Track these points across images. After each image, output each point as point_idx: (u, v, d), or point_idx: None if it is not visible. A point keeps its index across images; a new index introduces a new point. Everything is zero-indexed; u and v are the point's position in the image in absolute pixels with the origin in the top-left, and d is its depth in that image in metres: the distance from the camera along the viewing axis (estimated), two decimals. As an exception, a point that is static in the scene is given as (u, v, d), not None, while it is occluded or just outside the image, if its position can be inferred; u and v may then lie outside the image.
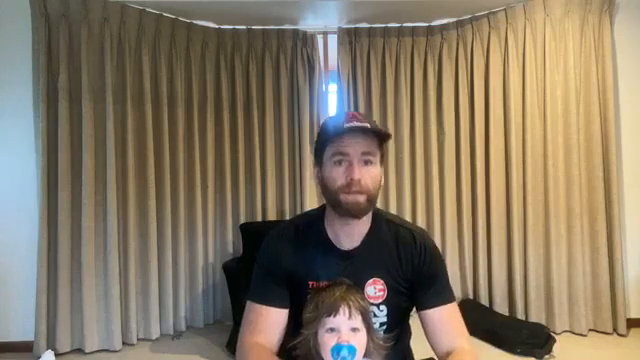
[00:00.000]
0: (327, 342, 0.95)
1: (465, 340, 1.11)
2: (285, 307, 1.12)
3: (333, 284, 1.04)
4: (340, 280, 1.05)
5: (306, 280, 1.10)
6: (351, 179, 1.03)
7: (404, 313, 1.17)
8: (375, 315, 1.09)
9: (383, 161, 1.13)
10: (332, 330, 0.96)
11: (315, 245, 1.13)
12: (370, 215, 1.14)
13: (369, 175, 1.05)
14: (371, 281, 1.10)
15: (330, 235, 1.14)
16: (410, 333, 1.26)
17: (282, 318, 1.11)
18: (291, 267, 1.12)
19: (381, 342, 1.01)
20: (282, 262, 1.13)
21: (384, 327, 1.11)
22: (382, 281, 1.11)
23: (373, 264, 1.11)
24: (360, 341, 0.96)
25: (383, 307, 1.11)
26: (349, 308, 0.96)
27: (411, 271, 1.12)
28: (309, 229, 1.16)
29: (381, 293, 1.10)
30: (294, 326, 1.10)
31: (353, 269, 1.10)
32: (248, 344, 1.08)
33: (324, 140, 1.09)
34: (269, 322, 1.10)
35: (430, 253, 1.14)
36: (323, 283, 1.08)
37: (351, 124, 1.04)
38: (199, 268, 3.27)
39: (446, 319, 1.11)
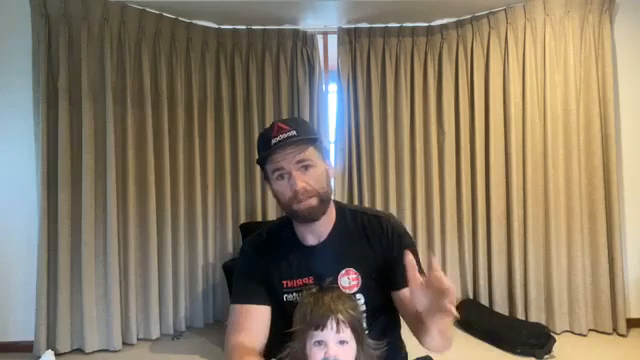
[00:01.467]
0: (314, 356, 0.94)
1: None
2: (266, 304, 1.15)
3: (323, 291, 1.03)
4: (330, 286, 1.05)
5: (280, 280, 1.15)
6: (295, 190, 1.07)
7: (382, 299, 1.18)
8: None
9: (326, 154, 1.17)
10: (320, 343, 0.94)
11: (286, 246, 1.18)
12: (333, 210, 1.19)
13: (312, 178, 1.09)
14: (344, 272, 1.14)
15: (299, 235, 1.18)
16: (399, 324, 1.26)
17: (264, 315, 1.14)
18: (265, 270, 1.16)
19: (372, 350, 1.00)
20: (258, 267, 1.18)
21: (364, 315, 1.13)
22: (354, 270, 1.14)
23: (343, 255, 1.14)
24: (348, 353, 0.95)
25: (360, 295, 1.14)
26: (337, 322, 0.94)
27: (381, 253, 1.15)
28: (280, 232, 1.21)
29: (355, 282, 1.14)
30: (273, 328, 1.13)
31: (324, 263, 1.13)
32: (232, 345, 1.10)
33: (261, 159, 1.12)
34: (252, 320, 1.13)
35: (398, 232, 1.17)
36: (297, 281, 1.13)
37: (276, 139, 1.07)
38: (199, 268, 3.27)
39: None
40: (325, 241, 1.16)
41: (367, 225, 1.18)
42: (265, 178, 1.18)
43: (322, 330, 0.94)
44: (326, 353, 0.93)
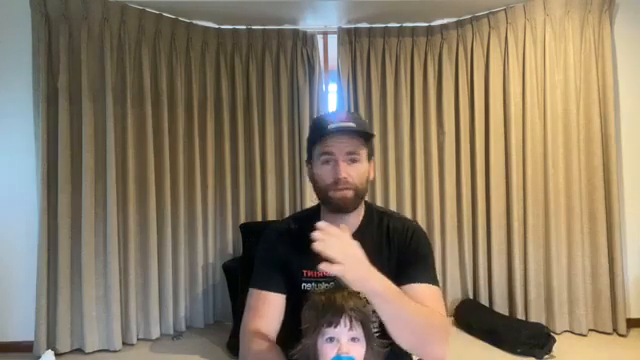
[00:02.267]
0: (327, 352, 0.93)
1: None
2: (283, 292, 1.16)
3: (333, 289, 1.03)
4: (339, 285, 1.04)
5: (300, 269, 1.15)
6: (337, 178, 1.10)
7: None
8: (368, 303, 1.10)
9: (372, 155, 1.19)
10: (331, 340, 0.94)
11: (310, 236, 1.15)
12: (362, 208, 1.21)
13: (355, 172, 1.12)
14: None
15: None
16: None
17: (281, 303, 1.16)
18: (286, 257, 1.17)
19: (379, 349, 1.00)
20: (278, 252, 1.19)
21: (377, 318, 1.13)
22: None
23: (365, 254, 1.12)
24: (359, 351, 0.95)
25: None
26: (350, 319, 0.94)
27: (397, 253, 1.17)
28: (305, 222, 1.19)
29: None
30: (289, 317, 1.13)
31: None
32: (251, 331, 1.11)
33: (312, 140, 1.16)
34: (269, 307, 1.14)
35: (417, 235, 1.19)
36: (317, 272, 1.12)
37: (336, 125, 1.10)
38: (199, 268, 3.27)
39: (420, 297, 1.06)
40: (352, 237, 1.16)
41: (391, 227, 1.20)
42: (307, 160, 1.20)
43: (335, 327, 0.94)
44: (339, 350, 0.92)
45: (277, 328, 1.14)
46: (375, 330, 1.10)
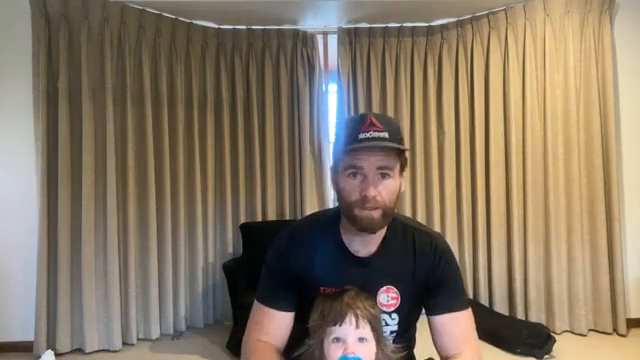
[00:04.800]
0: (332, 353, 0.90)
1: (470, 347, 1.08)
2: (291, 310, 1.10)
3: (341, 290, 1.00)
4: (348, 286, 1.02)
5: (317, 285, 1.07)
6: (365, 196, 0.98)
7: (414, 321, 1.15)
8: (386, 324, 1.07)
9: (404, 168, 1.06)
10: (338, 340, 0.91)
11: (329, 250, 1.10)
12: None
13: (385, 189, 0.99)
14: (384, 289, 1.07)
15: (345, 240, 1.10)
16: (415, 342, 1.23)
17: (288, 321, 1.10)
18: (302, 271, 1.09)
19: (391, 352, 0.97)
20: (292, 265, 1.10)
21: (394, 335, 1.09)
22: (396, 289, 1.08)
23: (388, 272, 1.08)
24: (368, 352, 0.92)
25: (395, 315, 1.08)
26: (356, 317, 0.91)
27: (424, 277, 1.09)
28: (323, 232, 1.12)
29: (394, 301, 1.08)
30: (301, 331, 1.08)
31: (367, 276, 1.07)
32: (253, 343, 1.08)
33: (339, 147, 1.02)
34: (275, 324, 1.09)
35: (445, 258, 1.12)
36: (336, 289, 1.06)
37: (367, 134, 0.97)
38: (199, 268, 3.27)
39: (454, 326, 1.07)
40: (375, 254, 1.09)
41: (417, 242, 1.11)
42: (333, 167, 1.08)
43: (340, 325, 0.91)
44: (345, 350, 0.89)
45: (282, 344, 1.09)
46: (390, 339, 1.06)
